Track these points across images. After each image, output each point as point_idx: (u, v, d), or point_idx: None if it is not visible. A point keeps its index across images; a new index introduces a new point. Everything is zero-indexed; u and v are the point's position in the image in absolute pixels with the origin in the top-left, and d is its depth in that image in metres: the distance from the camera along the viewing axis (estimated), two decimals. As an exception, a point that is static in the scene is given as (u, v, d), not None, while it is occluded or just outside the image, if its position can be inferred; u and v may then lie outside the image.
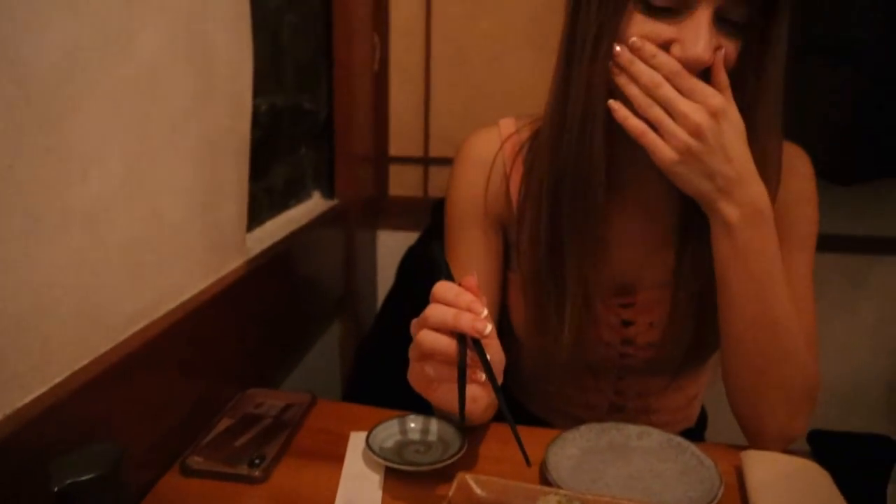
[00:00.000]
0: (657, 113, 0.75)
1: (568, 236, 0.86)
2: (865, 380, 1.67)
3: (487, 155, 0.94)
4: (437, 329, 0.68)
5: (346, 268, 1.47)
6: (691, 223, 0.86)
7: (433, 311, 0.68)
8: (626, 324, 0.94)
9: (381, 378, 1.32)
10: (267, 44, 1.15)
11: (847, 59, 1.32)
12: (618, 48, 0.76)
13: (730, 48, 0.76)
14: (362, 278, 1.57)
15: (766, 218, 0.78)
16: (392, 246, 1.60)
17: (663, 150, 0.75)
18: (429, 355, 0.69)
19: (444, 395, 0.71)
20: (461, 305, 0.67)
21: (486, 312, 0.67)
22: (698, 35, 0.73)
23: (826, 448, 0.86)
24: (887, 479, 0.81)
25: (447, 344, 0.68)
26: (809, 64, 1.31)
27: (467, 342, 0.68)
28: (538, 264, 0.89)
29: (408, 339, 0.73)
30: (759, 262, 0.79)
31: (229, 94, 0.95)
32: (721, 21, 0.75)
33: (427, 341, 0.68)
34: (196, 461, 0.79)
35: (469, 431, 0.84)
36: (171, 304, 0.85)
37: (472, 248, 0.95)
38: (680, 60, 0.74)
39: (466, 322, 0.66)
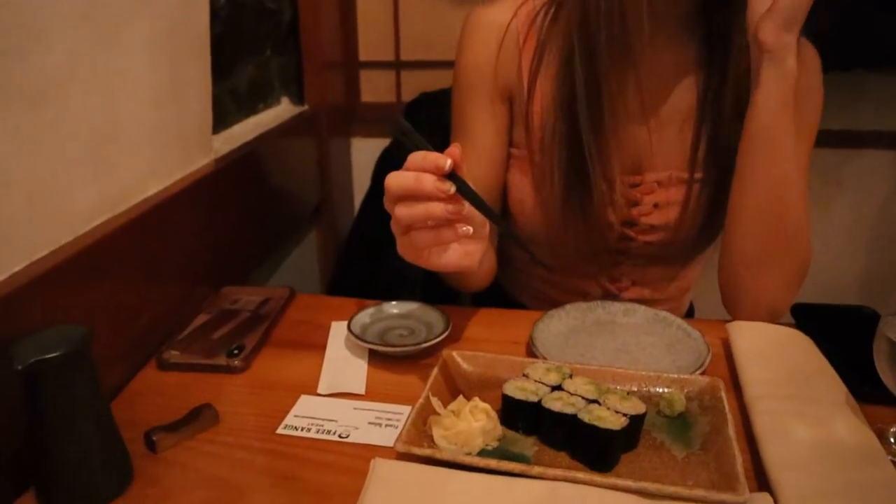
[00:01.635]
0: None
1: (594, 98, 0.83)
2: (839, 276, 1.68)
3: (501, 20, 0.89)
4: (405, 197, 0.66)
5: (320, 175, 1.43)
6: (707, 104, 0.86)
7: (392, 181, 0.66)
8: (631, 204, 0.91)
9: (362, 280, 1.30)
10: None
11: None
12: None
13: None
14: (337, 186, 1.53)
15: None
16: (367, 153, 1.55)
17: None
18: (407, 226, 0.67)
19: (436, 259, 0.69)
20: (428, 167, 0.64)
21: (449, 163, 0.64)
22: None
23: (810, 320, 0.85)
24: (869, 347, 0.82)
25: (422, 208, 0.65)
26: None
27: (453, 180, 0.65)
28: (550, 136, 0.86)
29: (388, 237, 0.71)
30: (789, 125, 0.79)
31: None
32: None
33: (402, 213, 0.66)
34: (173, 354, 0.76)
35: (453, 315, 0.82)
36: (135, 199, 0.81)
37: (478, 116, 0.92)
38: None
39: (429, 184, 0.64)
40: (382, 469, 0.56)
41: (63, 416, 0.55)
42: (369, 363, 0.77)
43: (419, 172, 0.64)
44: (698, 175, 0.89)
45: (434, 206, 0.64)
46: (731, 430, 0.60)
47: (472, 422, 0.59)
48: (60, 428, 0.55)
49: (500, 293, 1.09)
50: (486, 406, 0.61)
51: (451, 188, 0.64)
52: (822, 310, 0.88)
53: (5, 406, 0.57)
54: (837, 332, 0.83)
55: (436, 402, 0.62)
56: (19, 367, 0.52)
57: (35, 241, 0.66)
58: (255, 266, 1.15)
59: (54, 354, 0.53)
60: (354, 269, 1.33)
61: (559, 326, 0.81)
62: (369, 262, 1.27)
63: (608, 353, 0.77)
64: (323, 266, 1.48)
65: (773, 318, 0.85)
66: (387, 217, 0.70)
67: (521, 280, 1.06)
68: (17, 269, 0.64)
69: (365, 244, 1.32)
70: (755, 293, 0.84)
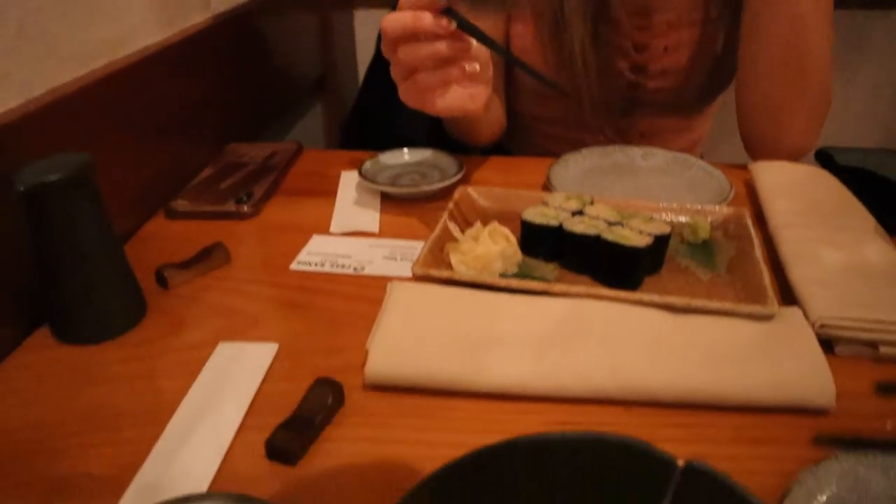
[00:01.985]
0: None
1: None
2: (862, 134, 1.63)
3: None
4: (404, 39, 0.61)
5: (322, 45, 1.37)
6: None
7: (389, 22, 0.61)
8: (639, 49, 0.87)
9: (367, 149, 1.26)
10: None
11: None
12: None
13: None
14: (341, 58, 1.47)
15: None
16: (370, 26, 1.49)
17: None
18: (411, 68, 0.63)
19: (441, 102, 0.65)
20: (424, 3, 0.60)
21: None
22: None
23: (834, 164, 0.83)
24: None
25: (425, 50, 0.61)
26: None
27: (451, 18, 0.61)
28: None
29: (394, 106, 0.68)
30: None
31: None
32: None
33: (405, 55, 0.62)
34: (180, 203, 0.74)
35: (466, 160, 0.80)
36: (132, 48, 0.77)
37: None
38: None
39: (427, 21, 0.59)
40: (400, 290, 0.55)
41: (70, 243, 0.53)
42: (382, 209, 0.75)
43: (416, 10, 0.60)
44: (711, 14, 0.84)
45: (440, 44, 0.61)
46: (758, 253, 0.59)
47: (492, 245, 0.57)
48: (69, 256, 0.53)
49: (504, 153, 1.06)
50: (506, 230, 0.59)
51: (451, 24, 0.60)
52: (846, 152, 0.85)
53: (13, 239, 0.56)
54: (862, 171, 0.80)
55: (454, 227, 0.60)
56: (21, 189, 0.50)
57: (29, 79, 0.63)
58: (257, 134, 1.12)
59: (56, 177, 0.51)
60: (359, 139, 1.30)
61: (575, 169, 0.78)
62: (374, 132, 1.24)
63: (628, 193, 0.75)
64: (327, 140, 1.45)
65: (796, 160, 0.82)
66: (392, 86, 0.66)
67: (526, 138, 1.03)
68: (12, 104, 0.61)
69: (370, 114, 1.28)
70: (776, 137, 0.81)
